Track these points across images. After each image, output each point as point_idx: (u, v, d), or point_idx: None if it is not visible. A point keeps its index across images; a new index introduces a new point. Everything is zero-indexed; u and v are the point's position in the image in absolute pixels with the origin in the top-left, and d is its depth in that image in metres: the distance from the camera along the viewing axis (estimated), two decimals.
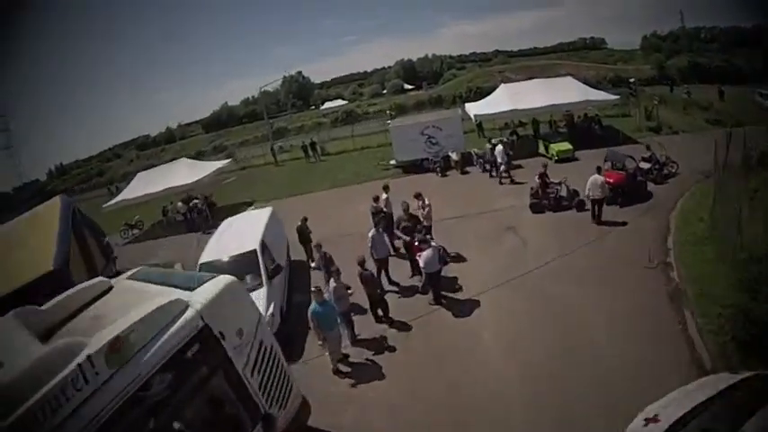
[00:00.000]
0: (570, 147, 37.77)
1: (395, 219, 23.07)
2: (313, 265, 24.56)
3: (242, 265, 19.40)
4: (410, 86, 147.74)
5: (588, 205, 25.47)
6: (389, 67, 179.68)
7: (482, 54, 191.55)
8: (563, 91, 42.41)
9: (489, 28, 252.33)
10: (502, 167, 34.97)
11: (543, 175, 27.73)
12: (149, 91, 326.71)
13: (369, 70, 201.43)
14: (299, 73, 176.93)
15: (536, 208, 27.66)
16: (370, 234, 20.88)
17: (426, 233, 21.01)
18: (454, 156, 39.92)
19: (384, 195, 25.86)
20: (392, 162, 44.54)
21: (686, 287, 17.83)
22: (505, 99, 42.96)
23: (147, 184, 44.61)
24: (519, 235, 25.25)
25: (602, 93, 45.86)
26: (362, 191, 36.95)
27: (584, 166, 30.53)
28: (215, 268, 17.44)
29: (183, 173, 44.01)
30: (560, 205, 27.32)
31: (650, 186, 28.64)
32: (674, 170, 30.95)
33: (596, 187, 24.18)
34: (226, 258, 20.54)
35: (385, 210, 24.96)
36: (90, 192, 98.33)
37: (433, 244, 19.57)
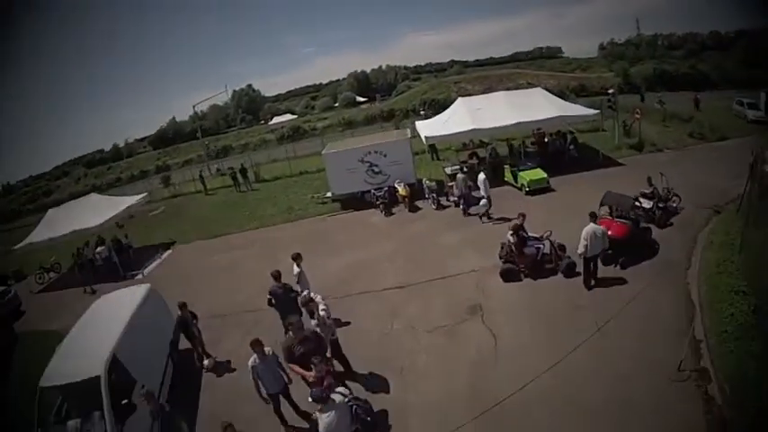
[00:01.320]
0: (544, 175, 30.39)
1: (284, 345, 13.27)
2: (205, 365, 18.38)
3: (85, 397, 13.62)
4: (363, 99, 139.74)
5: (580, 267, 18.38)
6: (343, 80, 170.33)
7: (437, 64, 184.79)
8: (533, 105, 35.03)
9: (446, 38, 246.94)
10: (462, 205, 28.46)
11: (519, 230, 19.60)
12: (106, 105, 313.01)
13: (324, 82, 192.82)
14: (249, 86, 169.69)
15: (509, 275, 19.73)
16: (250, 362, 12.93)
17: (333, 354, 14.25)
18: (401, 188, 32.45)
19: (295, 269, 18.48)
20: (329, 195, 37.06)
21: (734, 415, 11.54)
22: (463, 116, 35.09)
23: (55, 223, 36.82)
24: (486, 323, 17.34)
25: (577, 106, 38.21)
26: (292, 234, 32.40)
27: (563, 200, 27.77)
28: (60, 396, 14.16)
29: (93, 211, 36.51)
30: (542, 268, 19.62)
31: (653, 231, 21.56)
32: (675, 205, 24.01)
33: (596, 242, 17.33)
34: (66, 383, 13.97)
35: (294, 290, 17.57)
36: (36, 214, 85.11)
37: (340, 394, 11.08)
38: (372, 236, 28.33)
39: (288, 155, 58.31)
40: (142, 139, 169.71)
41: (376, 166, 33.88)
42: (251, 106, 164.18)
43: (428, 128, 36.52)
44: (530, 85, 73.86)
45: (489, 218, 27.20)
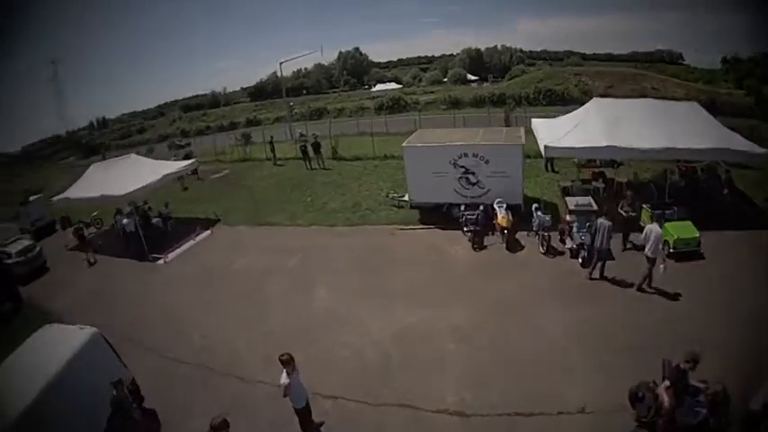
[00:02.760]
0: (697, 234, 19.83)
1: None
2: None
3: None
4: (474, 78, 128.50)
5: None
6: (455, 55, 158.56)
7: (553, 53, 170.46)
8: (688, 126, 23.05)
9: (563, 26, 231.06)
10: (586, 257, 19.52)
11: (681, 379, 10.47)
12: (211, 52, 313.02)
13: (437, 55, 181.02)
14: (357, 49, 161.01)
15: None
16: (283, 380, 11.39)
17: None
18: (501, 216, 22.84)
19: (283, 378, 11.80)
20: (405, 198, 28.29)
21: None
22: (597, 125, 23.55)
23: (92, 182, 32.40)
24: None
25: (740, 138, 23.67)
26: (345, 248, 24.97)
27: (723, 281, 17.71)
28: None
29: (127, 177, 30.71)
30: None
31: None
32: None
33: None
34: None
35: None
36: (125, 149, 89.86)
37: None
38: (446, 283, 19.99)
39: (375, 130, 49.96)
40: (245, 89, 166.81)
41: (472, 174, 24.75)
42: (356, 69, 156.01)
43: (549, 131, 25.67)
44: (654, 90, 63.23)
45: (641, 290, 17.73)
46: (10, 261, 30.20)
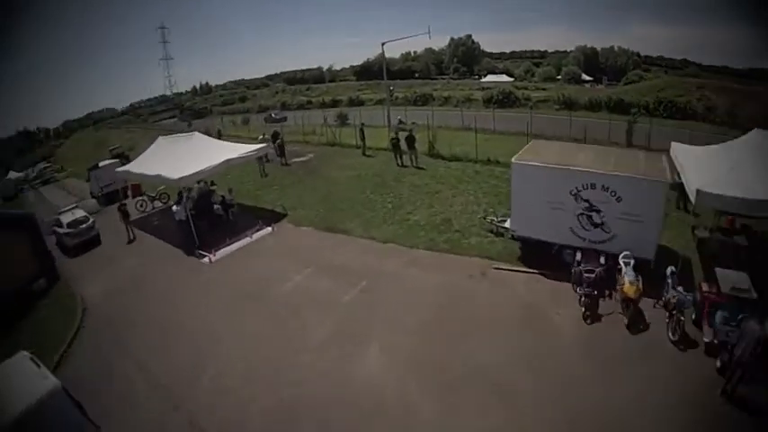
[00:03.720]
0: None
1: None
2: None
3: None
4: (588, 78, 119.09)
5: None
6: (569, 52, 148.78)
7: (669, 60, 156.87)
8: None
9: (679, 34, 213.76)
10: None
11: None
12: (320, 29, 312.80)
13: (550, 51, 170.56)
14: (469, 36, 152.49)
15: None
16: None
17: None
18: (628, 283, 15.67)
19: None
20: (506, 225, 21.59)
21: None
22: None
23: (153, 159, 30.19)
24: None
25: None
26: (418, 286, 19.21)
27: None
28: None
29: (186, 158, 27.53)
30: None
31: None
32: None
33: None
34: None
35: None
36: (228, 115, 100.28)
37: None
38: (540, 374, 13.88)
39: (481, 125, 42.52)
40: (353, 68, 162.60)
41: (597, 211, 18.14)
42: (467, 58, 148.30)
43: (697, 166, 18.11)
44: None
45: None
46: (61, 231, 29.80)
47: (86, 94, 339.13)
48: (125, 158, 46.79)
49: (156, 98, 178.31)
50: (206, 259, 24.24)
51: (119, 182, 35.45)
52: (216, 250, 24.77)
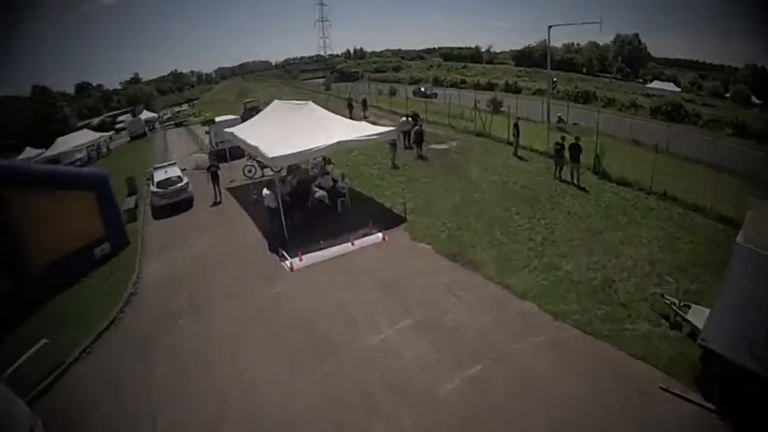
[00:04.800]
0: None
1: None
2: None
3: None
4: (758, 101, 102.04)
5: None
6: (738, 68, 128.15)
7: None
8: None
9: None
10: None
11: None
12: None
13: (715, 63, 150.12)
14: (636, 35, 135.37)
15: None
16: None
17: None
18: None
19: None
20: (690, 319, 13.15)
21: None
22: None
23: (260, 126, 25.99)
24: None
25: None
26: (565, 393, 11.80)
27: None
28: None
29: (300, 131, 22.41)
30: None
31: None
32: None
33: None
34: None
35: None
36: (378, 83, 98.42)
37: None
38: None
39: (647, 139, 35.21)
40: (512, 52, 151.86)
41: None
42: (632, 59, 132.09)
43: None
44: None
45: None
46: (151, 189, 28.10)
47: (244, 45, 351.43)
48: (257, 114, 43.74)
49: (310, 57, 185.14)
50: (287, 263, 19.05)
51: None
52: (304, 253, 19.42)
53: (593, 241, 19.49)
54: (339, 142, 21.03)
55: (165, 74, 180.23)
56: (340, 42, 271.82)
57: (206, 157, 36.01)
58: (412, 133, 33.06)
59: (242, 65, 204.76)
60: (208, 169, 29.05)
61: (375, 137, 22.86)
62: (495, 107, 52.19)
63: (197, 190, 28.97)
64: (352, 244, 20.04)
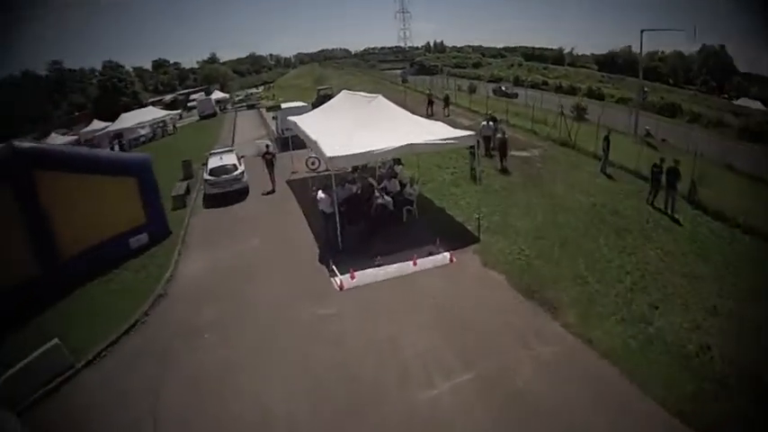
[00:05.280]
0: None
1: None
2: None
3: None
4: None
5: None
6: None
7: None
8: None
9: None
10: None
11: None
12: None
13: None
14: (722, 47, 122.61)
15: None
16: None
17: None
18: None
19: None
20: None
21: None
22: None
23: (324, 120, 23.32)
24: None
25: None
26: None
27: None
28: None
29: (368, 128, 19.12)
30: None
31: None
32: None
33: None
34: None
35: None
36: (457, 78, 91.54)
37: None
38: None
39: (737, 163, 30.79)
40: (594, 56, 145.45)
41: None
42: (717, 71, 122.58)
43: None
44: None
45: None
46: (205, 175, 26.33)
47: (324, 32, 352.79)
48: None
49: (389, 48, 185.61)
50: (337, 280, 16.28)
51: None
52: (357, 270, 16.55)
53: (688, 291, 15.57)
54: (410, 145, 17.80)
55: (244, 56, 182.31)
56: (419, 34, 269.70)
57: (271, 143, 34.17)
58: (494, 140, 29.36)
59: (321, 51, 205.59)
60: (263, 156, 27.41)
61: (452, 141, 19.15)
62: (580, 114, 47.35)
63: (255, 178, 27.13)
64: (415, 264, 16.99)
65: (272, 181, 27.02)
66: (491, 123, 30.97)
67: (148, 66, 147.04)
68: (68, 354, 13.01)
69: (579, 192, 24.13)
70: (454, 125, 23.80)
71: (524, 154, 30.64)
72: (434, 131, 19.49)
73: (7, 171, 16.39)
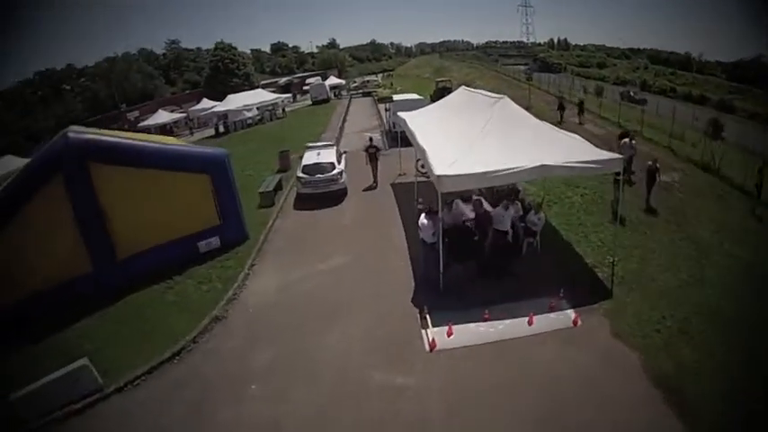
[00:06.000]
0: None
1: None
2: None
3: None
4: None
5: None
6: None
7: None
8: None
9: None
10: None
11: None
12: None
13: None
14: None
15: None
16: None
17: None
18: None
19: None
20: None
21: None
22: None
23: (439, 120, 19.72)
24: None
25: None
26: None
27: None
28: None
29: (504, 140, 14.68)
30: None
31: None
32: None
33: None
34: None
35: None
36: (582, 78, 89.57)
37: None
38: None
39: None
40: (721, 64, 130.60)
41: None
42: None
43: None
44: None
45: None
46: (301, 175, 23.74)
47: (446, 23, 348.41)
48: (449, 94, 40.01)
49: (512, 42, 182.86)
50: (428, 334, 12.77)
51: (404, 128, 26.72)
52: (456, 323, 12.98)
53: None
54: (543, 167, 13.46)
55: (364, 42, 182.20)
56: (541, 30, 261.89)
57: (379, 137, 32.69)
58: (632, 164, 23.90)
59: (443, 42, 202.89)
60: (366, 150, 26.01)
61: (593, 166, 14.24)
62: (716, 131, 39.39)
63: (358, 172, 25.48)
64: (530, 323, 13.12)
65: (375, 176, 25.66)
66: (633, 142, 24.75)
67: (267, 48, 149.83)
68: (98, 375, 11.85)
69: (730, 240, 18.37)
70: (585, 135, 19.81)
71: (663, 178, 24.08)
72: (572, 149, 14.72)
73: (58, 163, 15.42)
